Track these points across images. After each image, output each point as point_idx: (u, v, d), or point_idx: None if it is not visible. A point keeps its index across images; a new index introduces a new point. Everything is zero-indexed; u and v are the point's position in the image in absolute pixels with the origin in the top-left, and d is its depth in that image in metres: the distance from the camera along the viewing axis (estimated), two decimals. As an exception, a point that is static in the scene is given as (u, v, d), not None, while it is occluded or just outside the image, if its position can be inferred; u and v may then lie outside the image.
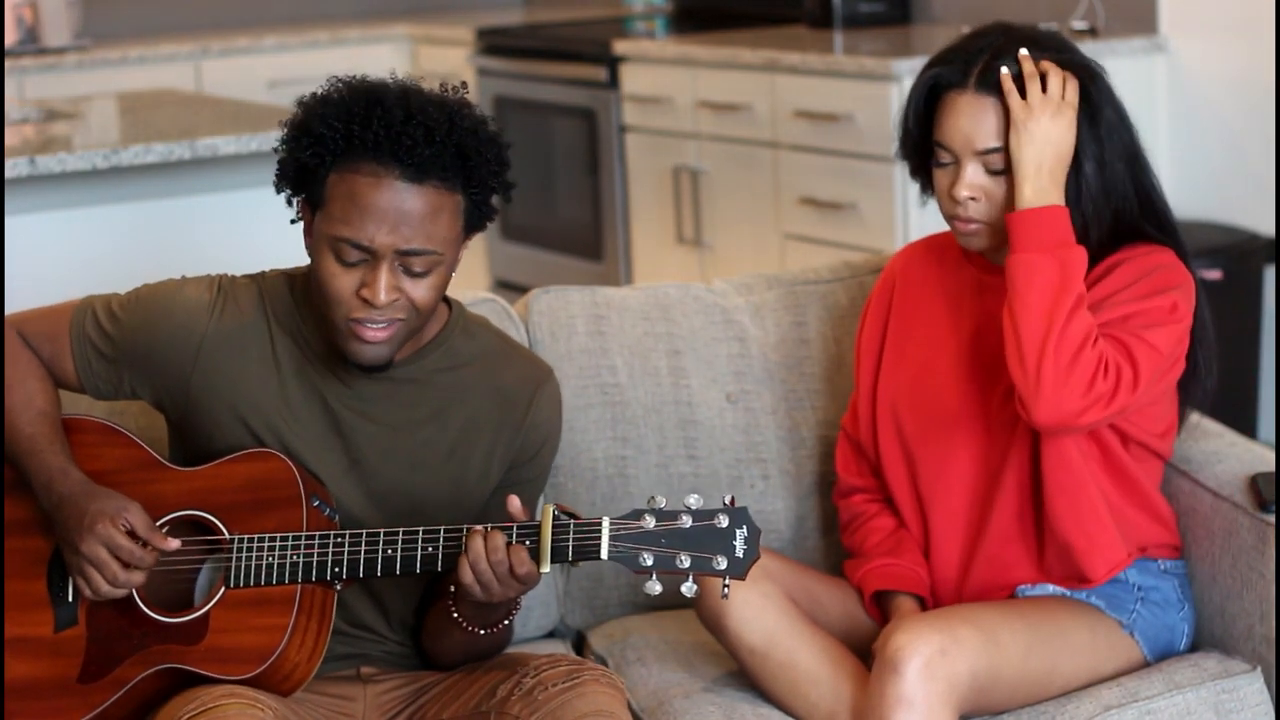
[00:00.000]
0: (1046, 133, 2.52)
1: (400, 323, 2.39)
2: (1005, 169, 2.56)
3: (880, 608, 2.72)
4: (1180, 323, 2.55)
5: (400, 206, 2.34)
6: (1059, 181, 2.53)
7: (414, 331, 2.44)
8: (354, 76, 2.44)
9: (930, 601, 2.71)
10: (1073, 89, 2.54)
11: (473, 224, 2.44)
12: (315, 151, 2.37)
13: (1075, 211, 2.56)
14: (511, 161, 2.47)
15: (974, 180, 2.56)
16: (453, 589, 2.43)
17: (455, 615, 2.44)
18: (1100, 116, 2.57)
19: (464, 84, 2.48)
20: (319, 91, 2.42)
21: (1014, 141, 2.52)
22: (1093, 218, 2.57)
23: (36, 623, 2.44)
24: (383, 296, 2.35)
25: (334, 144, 2.36)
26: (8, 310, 2.64)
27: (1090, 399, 2.48)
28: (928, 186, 2.68)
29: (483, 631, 2.46)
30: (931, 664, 2.44)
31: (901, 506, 2.75)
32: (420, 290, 2.38)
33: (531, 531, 2.32)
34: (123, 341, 2.51)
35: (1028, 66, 2.54)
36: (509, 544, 2.31)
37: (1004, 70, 2.53)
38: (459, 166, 2.37)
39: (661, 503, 2.29)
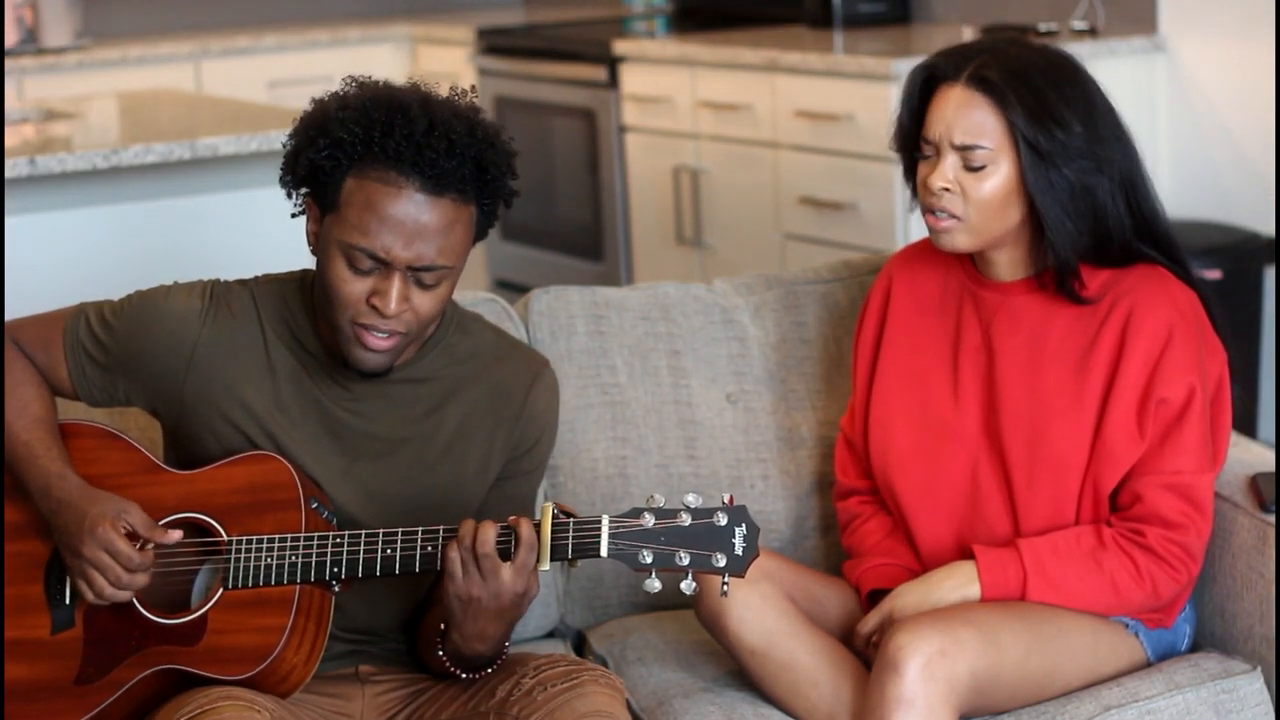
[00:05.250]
0: None
1: (401, 336, 2.39)
2: (983, 167, 2.55)
3: (878, 608, 2.72)
4: (1203, 406, 2.59)
5: (418, 219, 2.34)
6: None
7: (414, 342, 2.44)
8: (370, 78, 2.43)
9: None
10: None
11: (481, 234, 2.44)
12: (332, 154, 2.36)
13: (1075, 241, 2.57)
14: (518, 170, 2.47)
15: (950, 172, 2.56)
16: (442, 626, 2.42)
17: (440, 654, 2.43)
18: (1104, 152, 2.57)
19: (473, 87, 2.47)
20: (338, 92, 2.41)
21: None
22: (1070, 257, 2.58)
23: (33, 625, 2.44)
24: (393, 307, 2.35)
25: (352, 149, 2.35)
26: (7, 310, 2.64)
27: (1176, 571, 2.59)
28: (916, 191, 2.68)
29: (464, 676, 2.45)
30: (931, 664, 2.44)
31: (894, 510, 2.75)
32: (427, 302, 2.38)
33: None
34: (116, 349, 2.50)
35: None
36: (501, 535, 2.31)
37: None
38: (476, 179, 2.37)
39: (660, 501, 2.30)
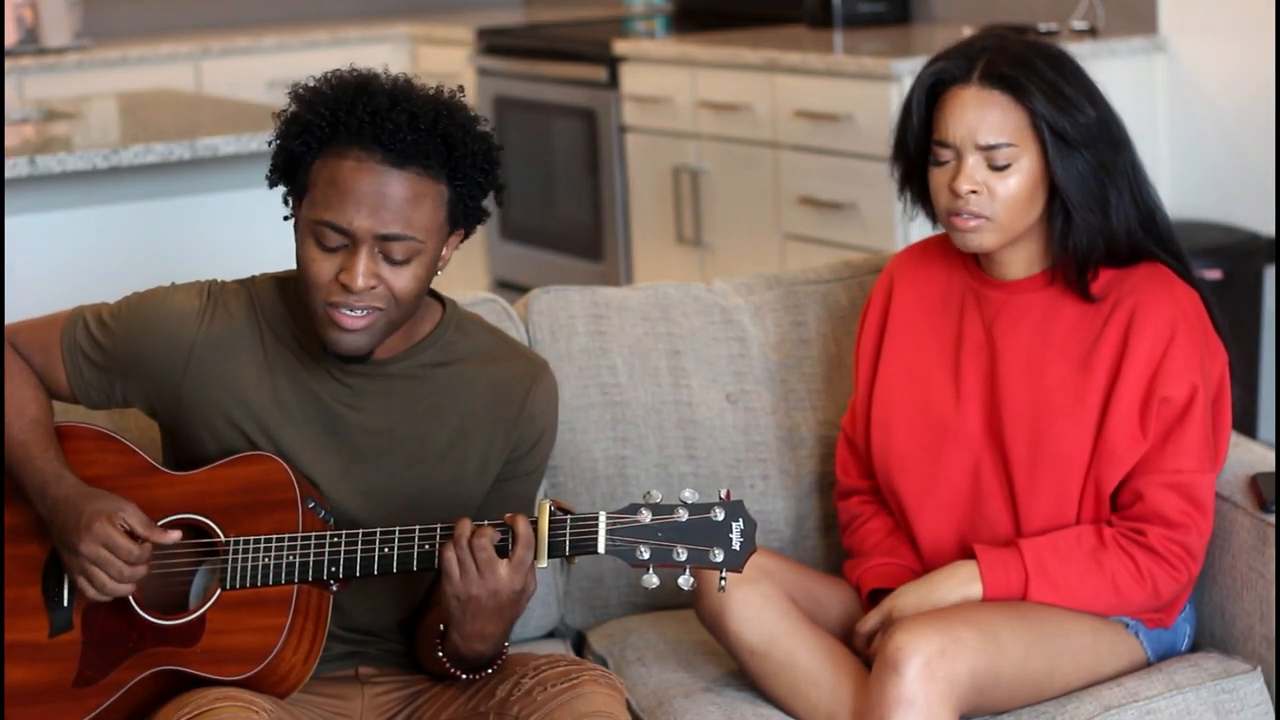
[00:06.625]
0: None
1: (379, 312, 2.38)
2: (1008, 165, 2.55)
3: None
4: (1205, 405, 2.59)
5: (381, 190, 2.34)
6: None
7: (395, 324, 2.43)
8: (348, 68, 2.44)
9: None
10: None
11: (459, 220, 2.43)
12: (303, 140, 2.38)
13: (1077, 239, 2.57)
14: (504, 162, 2.46)
15: (977, 174, 2.56)
16: (442, 627, 2.42)
17: (440, 655, 2.43)
18: (1116, 134, 2.57)
19: (460, 88, 2.48)
20: (311, 82, 2.43)
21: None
22: (1097, 244, 2.58)
23: (31, 628, 2.44)
24: (360, 281, 2.34)
25: (321, 131, 2.37)
26: (7, 310, 2.64)
27: (1176, 570, 2.59)
28: (917, 199, 2.67)
29: (465, 676, 2.45)
30: (931, 664, 2.44)
31: (895, 510, 2.75)
32: (400, 279, 2.37)
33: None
34: (114, 351, 2.50)
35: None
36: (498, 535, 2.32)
37: None
38: (443, 156, 2.37)
39: (657, 497, 2.30)
